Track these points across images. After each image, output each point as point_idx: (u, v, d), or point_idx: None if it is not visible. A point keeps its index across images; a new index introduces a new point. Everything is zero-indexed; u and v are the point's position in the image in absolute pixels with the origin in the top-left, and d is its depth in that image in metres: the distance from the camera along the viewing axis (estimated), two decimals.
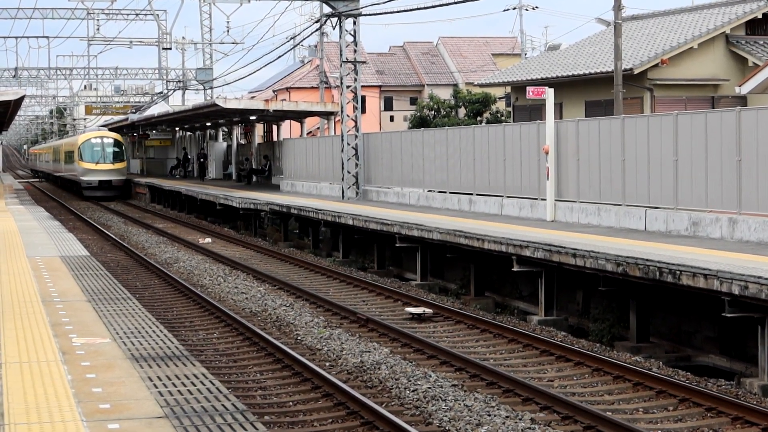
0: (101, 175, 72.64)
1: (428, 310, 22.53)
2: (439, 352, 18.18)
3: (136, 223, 49.17)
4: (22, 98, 49.80)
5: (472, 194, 32.70)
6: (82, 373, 11.21)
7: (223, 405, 10.02)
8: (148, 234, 43.28)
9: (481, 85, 55.33)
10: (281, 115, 56.92)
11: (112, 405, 9.85)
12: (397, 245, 29.20)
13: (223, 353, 18.90)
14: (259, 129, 67.97)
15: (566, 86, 42.42)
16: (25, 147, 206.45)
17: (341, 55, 41.58)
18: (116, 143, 74.38)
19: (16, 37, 74.73)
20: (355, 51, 41.83)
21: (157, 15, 68.31)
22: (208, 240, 40.08)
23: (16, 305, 15.96)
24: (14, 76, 77.98)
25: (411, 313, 22.38)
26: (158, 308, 23.36)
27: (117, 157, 73.77)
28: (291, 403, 15.36)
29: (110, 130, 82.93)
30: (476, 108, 65.30)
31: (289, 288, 26.32)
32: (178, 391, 10.57)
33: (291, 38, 50.79)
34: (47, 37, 75.18)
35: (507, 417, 13.88)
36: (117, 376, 11.10)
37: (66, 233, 31.02)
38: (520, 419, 13.77)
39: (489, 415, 14.03)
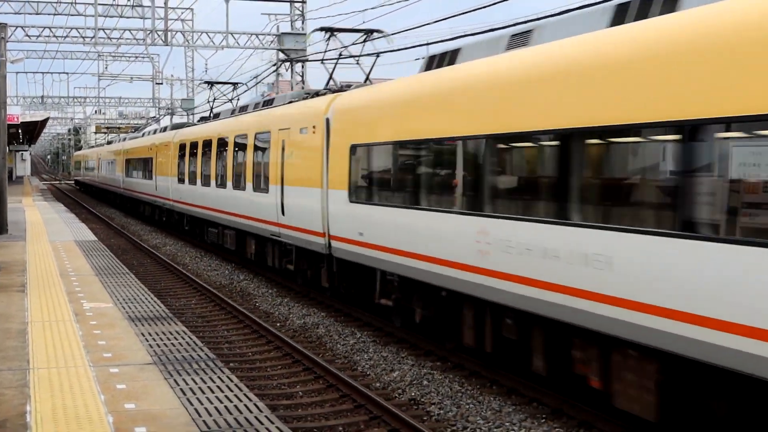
0: None
1: None
2: (362, 315, 18.22)
3: (134, 216, 48.63)
4: (46, 120, 49.19)
5: None
6: (90, 330, 11.16)
7: (198, 354, 10.02)
8: (143, 225, 42.90)
9: None
10: None
11: (113, 354, 9.83)
12: None
13: (199, 315, 18.82)
14: None
15: None
16: (49, 157, 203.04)
17: (292, 90, 41.47)
18: None
19: (43, 73, 75.16)
20: (302, 87, 41.73)
21: (152, 58, 67.84)
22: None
23: (40, 278, 15.83)
24: (41, 103, 77.36)
25: None
26: (150, 280, 23.19)
27: None
28: (250, 354, 15.35)
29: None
30: None
31: (250, 267, 26.23)
32: (164, 343, 10.56)
33: (254, 77, 50.39)
34: (67, 73, 75.34)
35: (413, 365, 13.97)
36: (117, 333, 11.07)
37: (79, 223, 30.71)
38: (422, 366, 13.87)
39: (399, 363, 14.11)
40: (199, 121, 35.64)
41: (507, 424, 10.91)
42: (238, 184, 23.70)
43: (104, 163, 60.64)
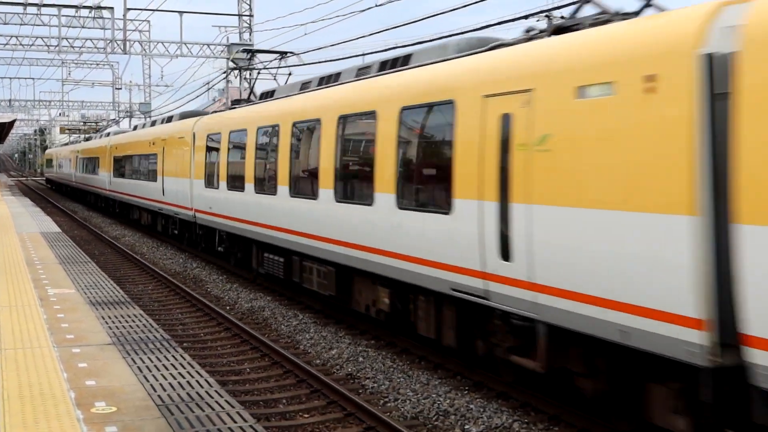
0: None
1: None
2: (305, 299, 18.16)
3: (95, 210, 47.90)
4: (13, 121, 48.04)
5: None
6: (54, 314, 10.98)
7: (154, 335, 9.92)
8: (103, 218, 42.29)
9: None
10: None
11: (75, 336, 9.69)
12: None
13: (155, 300, 18.62)
14: None
15: None
16: (16, 156, 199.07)
17: (240, 96, 41.16)
18: None
19: (10, 78, 73.97)
20: (250, 93, 41.44)
21: (112, 65, 67.03)
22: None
23: (7, 267, 15.52)
24: (9, 105, 76.17)
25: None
26: (110, 268, 22.87)
27: None
28: (202, 335, 15.23)
29: None
30: None
31: (203, 256, 26.01)
32: (123, 326, 10.43)
33: (206, 83, 49.95)
34: (33, 78, 74.46)
35: (350, 343, 13.98)
36: (79, 316, 10.90)
37: (45, 216, 30.19)
38: (358, 345, 13.88)
39: (337, 342, 14.11)
40: (234, 104, 24.17)
41: (434, 395, 10.97)
42: (353, 194, 13.48)
43: (83, 162, 50.32)
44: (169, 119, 30.34)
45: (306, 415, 10.49)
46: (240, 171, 19.02)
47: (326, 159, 14.37)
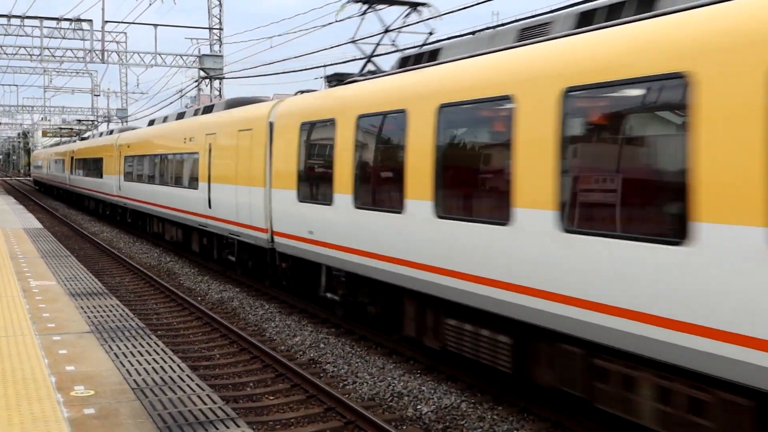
0: None
1: None
2: (269, 290, 18.08)
3: (75, 208, 47.23)
4: None
5: None
6: (36, 304, 10.82)
7: (130, 324, 9.81)
8: (83, 215, 41.72)
9: None
10: None
11: (56, 324, 9.55)
12: None
13: (132, 291, 18.41)
14: None
15: None
16: (1, 157, 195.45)
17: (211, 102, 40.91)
18: None
19: None
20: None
21: (91, 73, 66.30)
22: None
23: None
24: None
25: None
26: (89, 262, 22.57)
27: None
28: (175, 323, 15.09)
29: None
30: None
31: (176, 251, 25.77)
32: (101, 315, 10.31)
33: (179, 91, 49.52)
34: (16, 84, 73.63)
35: (312, 331, 13.94)
36: (59, 306, 10.75)
37: (28, 213, 29.73)
38: (320, 332, 13.85)
39: (301, 330, 14.07)
40: (332, 81, 14.63)
41: (389, 378, 10.97)
42: None
43: (81, 162, 41.72)
44: (208, 109, 21.98)
45: (271, 398, 10.45)
46: (392, 180, 10.93)
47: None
